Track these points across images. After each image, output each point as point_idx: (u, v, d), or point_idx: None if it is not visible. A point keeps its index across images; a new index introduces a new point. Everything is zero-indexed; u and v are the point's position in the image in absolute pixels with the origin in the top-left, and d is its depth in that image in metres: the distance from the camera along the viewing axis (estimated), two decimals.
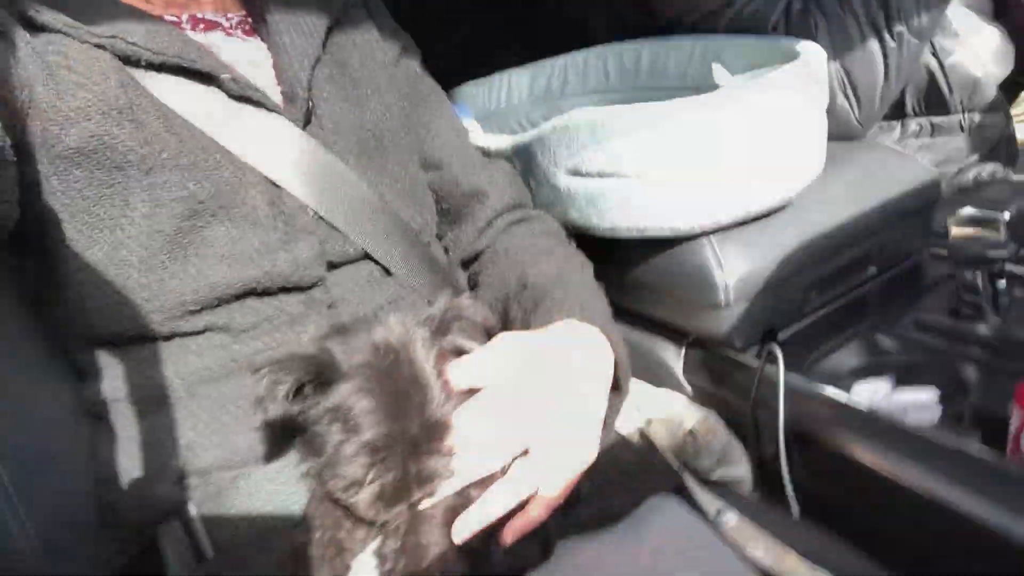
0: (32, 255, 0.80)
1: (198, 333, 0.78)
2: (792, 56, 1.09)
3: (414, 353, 0.66)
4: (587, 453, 0.77)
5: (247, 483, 0.78)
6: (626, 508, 0.83)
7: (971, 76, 1.49)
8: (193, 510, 0.78)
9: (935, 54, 1.48)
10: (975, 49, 1.50)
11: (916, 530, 0.89)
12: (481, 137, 1.14)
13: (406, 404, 0.64)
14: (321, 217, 0.83)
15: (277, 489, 0.78)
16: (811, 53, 1.08)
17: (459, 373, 0.72)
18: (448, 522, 0.71)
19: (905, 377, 1.06)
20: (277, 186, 0.81)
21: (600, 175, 1.03)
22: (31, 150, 0.73)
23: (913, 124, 1.53)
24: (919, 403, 0.98)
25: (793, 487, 1.01)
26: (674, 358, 1.18)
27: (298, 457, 0.75)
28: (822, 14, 1.27)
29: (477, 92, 1.50)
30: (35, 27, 0.74)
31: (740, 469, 1.05)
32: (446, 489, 0.70)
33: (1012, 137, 1.55)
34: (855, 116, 1.32)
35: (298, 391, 0.65)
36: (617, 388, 0.86)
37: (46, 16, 0.73)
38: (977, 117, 1.50)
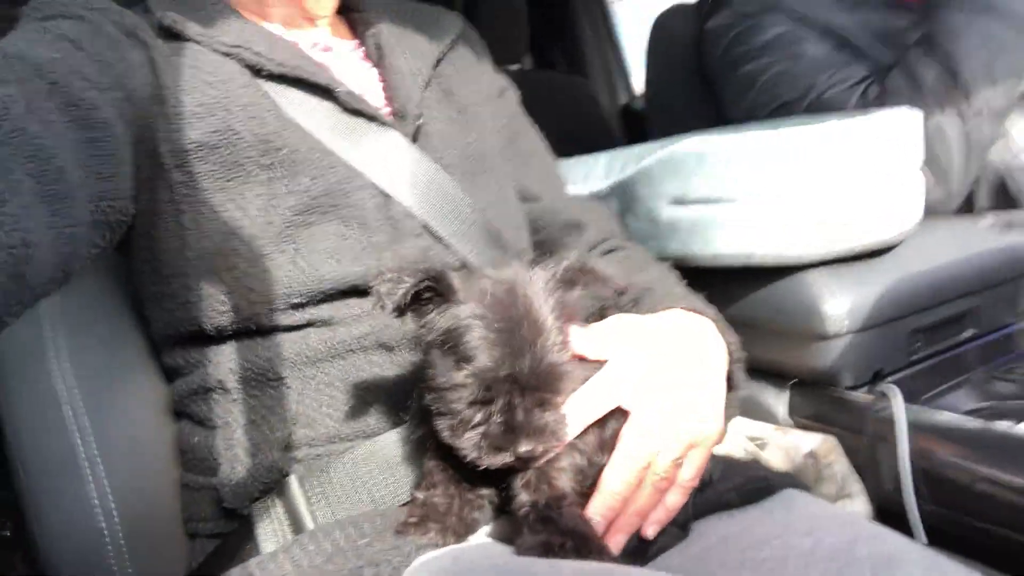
0: (138, 251, 0.83)
1: (300, 327, 0.79)
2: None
3: (533, 294, 0.64)
4: (714, 430, 0.76)
5: (355, 455, 0.76)
6: (761, 490, 0.78)
7: None
8: (295, 484, 0.75)
9: (1004, 153, 1.55)
10: None
11: None
12: (579, 184, 1.19)
13: (518, 339, 0.62)
14: (426, 226, 0.86)
15: (385, 461, 0.76)
16: (907, 112, 1.15)
17: (579, 342, 0.71)
18: (574, 478, 0.69)
19: None
20: (386, 194, 0.84)
21: (707, 201, 1.07)
22: (154, 143, 0.78)
23: (987, 218, 1.57)
24: None
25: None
26: (776, 400, 1.15)
27: (412, 423, 0.75)
28: (899, 97, 1.36)
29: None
30: (170, 35, 0.82)
31: (859, 504, 0.99)
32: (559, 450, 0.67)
33: None
34: (937, 194, 1.37)
35: (416, 301, 0.64)
36: (731, 384, 0.84)
37: (180, 26, 0.82)
38: None
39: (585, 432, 0.70)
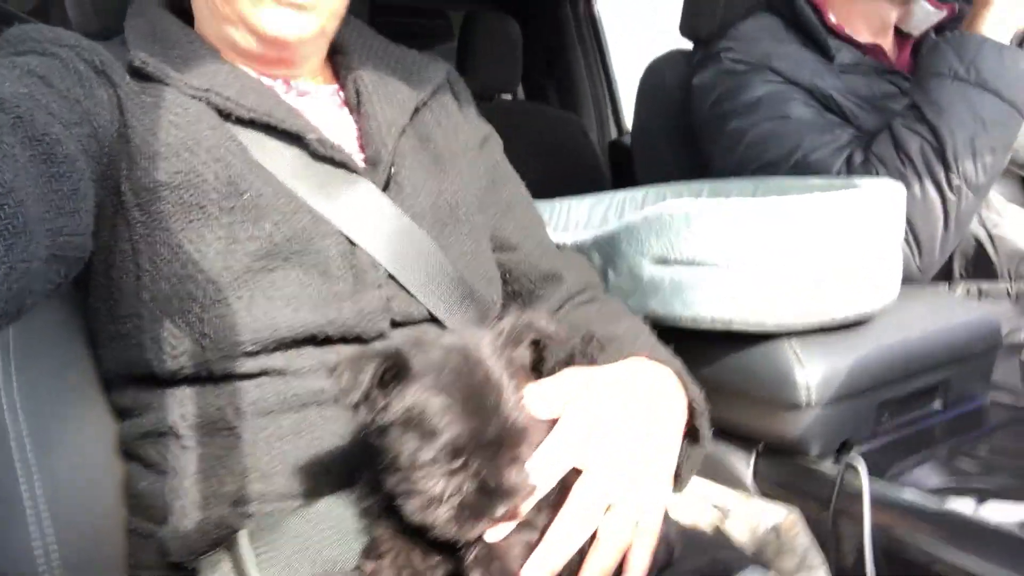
0: (95, 289, 0.82)
1: (254, 376, 0.78)
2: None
3: (486, 357, 0.65)
4: (667, 485, 0.76)
5: (307, 514, 0.74)
6: (722, 572, 0.78)
7: (1017, 248, 1.58)
8: (244, 540, 0.73)
9: (983, 224, 1.58)
10: (1017, 225, 1.60)
11: None
12: (560, 233, 1.19)
13: (481, 403, 0.62)
14: (391, 276, 0.85)
15: (338, 522, 0.74)
16: (892, 185, 1.15)
17: (532, 399, 0.71)
18: (526, 556, 0.67)
19: (989, 498, 1.02)
20: (352, 242, 0.83)
21: (691, 263, 1.06)
22: (117, 182, 0.78)
23: (961, 288, 1.59)
24: (1019, 519, 0.94)
25: None
26: (743, 465, 1.14)
27: (363, 490, 0.73)
28: (883, 165, 1.37)
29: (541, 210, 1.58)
30: (140, 74, 0.82)
31: None
32: (526, 506, 0.66)
33: None
34: (915, 263, 1.38)
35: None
36: (694, 437, 0.84)
37: (151, 67, 0.82)
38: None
39: (538, 508, 0.68)
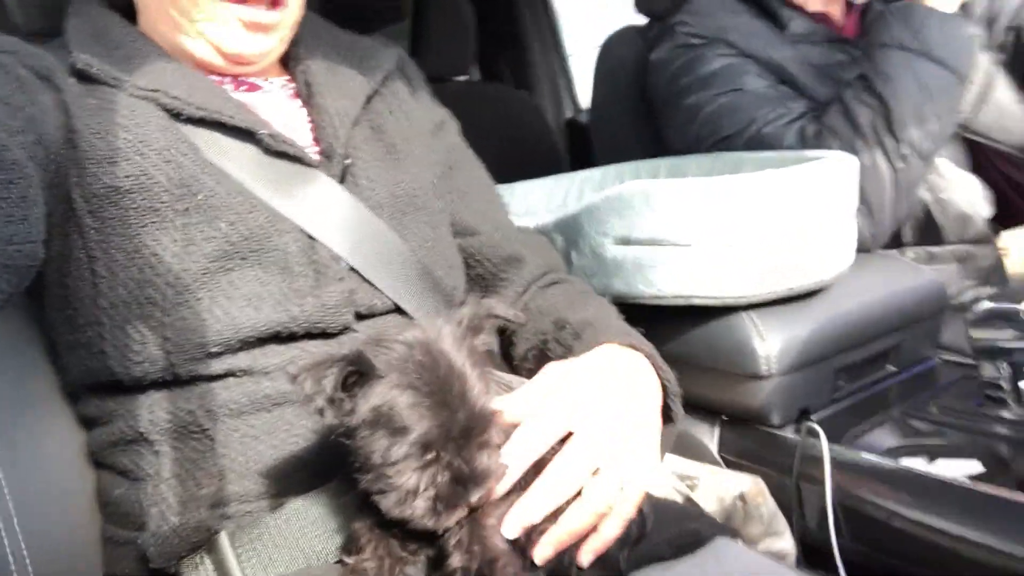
0: (51, 299, 0.80)
1: (219, 377, 0.77)
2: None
3: (448, 348, 0.66)
4: (650, 460, 0.77)
5: (287, 511, 0.74)
6: (693, 543, 0.80)
7: (962, 212, 1.63)
8: (225, 541, 0.73)
9: (930, 189, 1.62)
10: (962, 190, 1.65)
11: None
12: (521, 217, 1.20)
13: (448, 395, 0.63)
14: (353, 268, 0.84)
15: (318, 518, 0.75)
16: (845, 159, 1.18)
17: (508, 406, 0.72)
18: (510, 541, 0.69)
19: (940, 455, 1.07)
20: (311, 237, 0.83)
21: (652, 243, 1.08)
22: (67, 188, 0.76)
23: (910, 252, 1.63)
24: (967, 473, 0.99)
25: (841, 559, 0.99)
26: (708, 436, 1.18)
27: (340, 486, 0.75)
28: (835, 136, 1.40)
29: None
30: (84, 77, 0.80)
31: (785, 542, 1.03)
32: (500, 487, 0.68)
33: (1001, 266, 1.67)
34: (867, 231, 1.42)
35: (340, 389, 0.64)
36: (668, 417, 0.86)
37: (95, 69, 0.79)
38: (970, 249, 1.62)
39: (516, 489, 0.70)
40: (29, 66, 0.76)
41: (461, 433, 0.63)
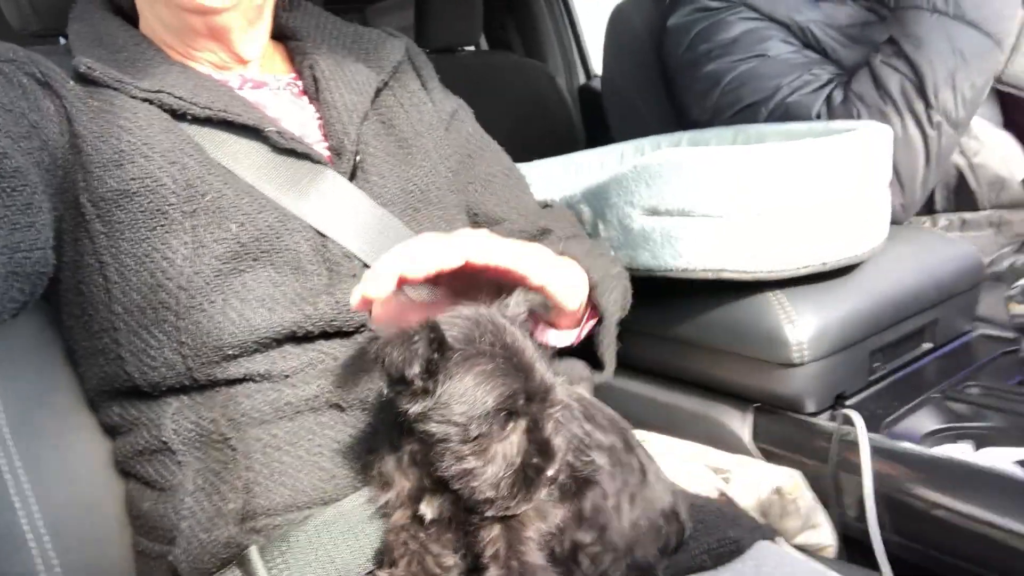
0: (66, 306, 0.79)
1: (237, 382, 0.76)
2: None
3: (504, 322, 0.66)
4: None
5: (316, 523, 0.73)
6: (730, 554, 0.78)
7: (997, 175, 1.57)
8: (255, 555, 0.72)
9: (963, 153, 1.56)
10: (997, 151, 1.58)
11: None
12: (544, 194, 1.16)
13: (520, 362, 0.63)
14: (367, 265, 0.82)
15: (348, 529, 0.73)
16: (880, 129, 1.12)
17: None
18: (545, 546, 0.67)
19: (984, 442, 1.03)
20: (322, 235, 0.81)
21: (681, 213, 1.04)
22: (75, 194, 0.75)
23: (943, 219, 1.58)
24: (1016, 459, 0.95)
25: (884, 551, 0.96)
26: (741, 425, 1.14)
27: (371, 493, 0.73)
28: (863, 104, 1.34)
29: None
30: (86, 81, 0.78)
31: (824, 534, 1.00)
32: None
33: None
34: (897, 202, 1.36)
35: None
36: (596, 311, 0.89)
37: (98, 72, 0.78)
38: (1005, 214, 1.57)
39: (557, 501, 0.68)
40: (30, 73, 0.76)
41: (537, 398, 0.63)
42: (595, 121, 2.26)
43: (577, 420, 0.72)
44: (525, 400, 0.62)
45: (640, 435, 1.10)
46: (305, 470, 0.75)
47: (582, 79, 2.50)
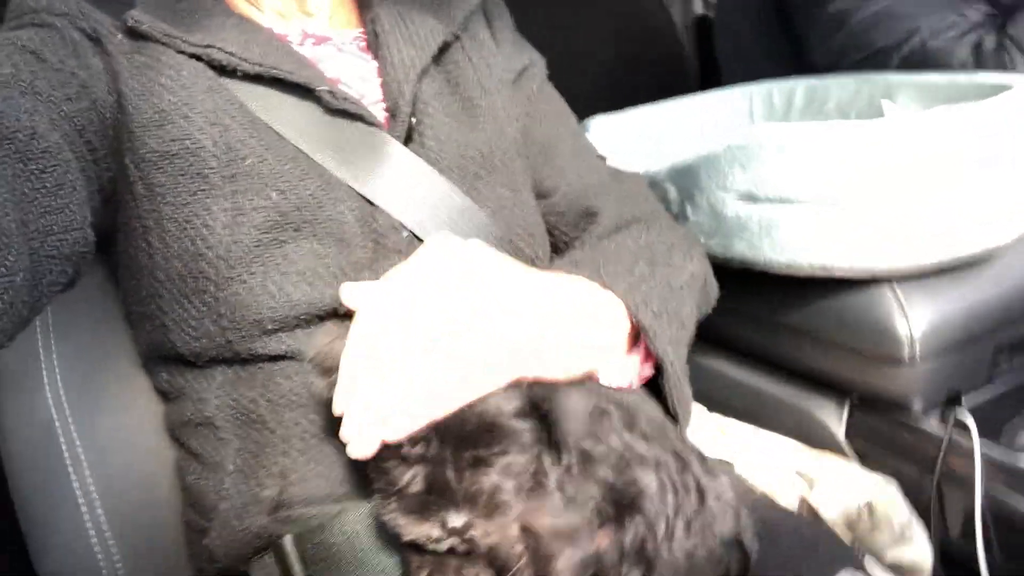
0: (122, 270, 0.79)
1: (278, 358, 0.73)
2: (997, 92, 0.97)
3: None
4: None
5: (352, 517, 0.70)
6: None
7: None
8: (289, 545, 0.71)
9: None
10: None
11: None
12: (631, 156, 1.06)
13: None
14: (417, 237, 0.77)
15: (383, 526, 0.68)
16: None
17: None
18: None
19: None
20: (371, 203, 0.76)
21: (782, 200, 0.92)
22: (121, 155, 0.73)
23: None
24: None
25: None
26: (834, 420, 1.04)
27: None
28: (1021, 52, 1.15)
29: (609, 125, 1.42)
30: (136, 35, 0.75)
31: (920, 551, 0.90)
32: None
33: None
34: None
35: None
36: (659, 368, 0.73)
37: (146, 26, 0.75)
38: None
39: (597, 528, 0.62)
40: (81, 28, 0.74)
41: (455, 434, 0.58)
42: (711, 59, 2.08)
43: (616, 431, 0.64)
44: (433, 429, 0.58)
45: (721, 421, 1.03)
46: (343, 460, 0.72)
47: (700, 8, 2.30)
